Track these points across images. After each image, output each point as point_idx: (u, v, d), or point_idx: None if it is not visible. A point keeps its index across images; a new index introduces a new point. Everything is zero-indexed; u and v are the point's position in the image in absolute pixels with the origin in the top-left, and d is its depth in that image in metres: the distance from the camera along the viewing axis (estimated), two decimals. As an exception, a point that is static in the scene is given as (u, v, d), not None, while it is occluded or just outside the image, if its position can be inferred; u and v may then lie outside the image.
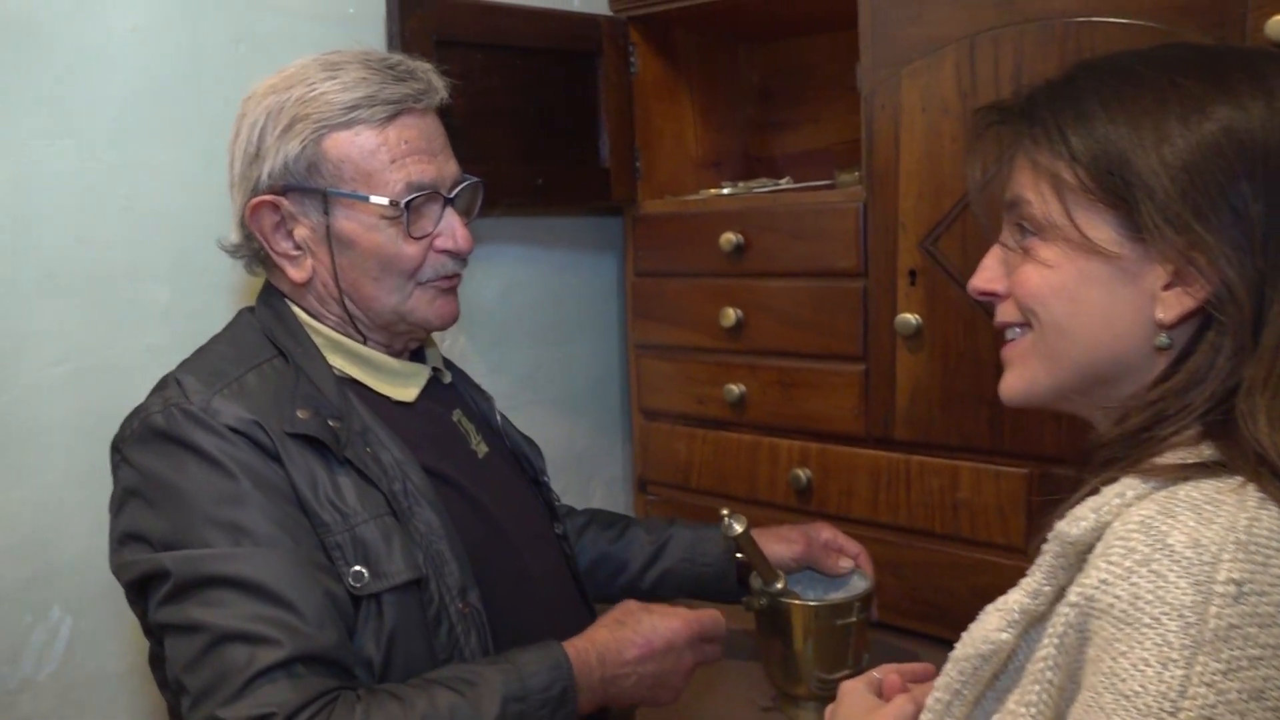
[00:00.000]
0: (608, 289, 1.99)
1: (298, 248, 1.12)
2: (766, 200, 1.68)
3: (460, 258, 1.17)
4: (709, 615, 1.14)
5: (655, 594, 1.41)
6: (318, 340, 1.13)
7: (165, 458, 0.99)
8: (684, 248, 1.77)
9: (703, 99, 1.96)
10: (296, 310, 1.14)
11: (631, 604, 1.13)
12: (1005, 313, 0.90)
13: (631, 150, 1.82)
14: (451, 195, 1.14)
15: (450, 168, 1.15)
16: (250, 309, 1.17)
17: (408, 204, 1.09)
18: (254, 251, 1.15)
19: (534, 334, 1.87)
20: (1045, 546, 0.77)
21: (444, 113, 1.17)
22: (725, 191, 1.78)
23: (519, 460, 1.31)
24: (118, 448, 1.03)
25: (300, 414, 1.03)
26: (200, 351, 1.12)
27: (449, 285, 1.17)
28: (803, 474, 1.64)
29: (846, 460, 1.60)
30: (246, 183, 1.10)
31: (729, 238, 1.67)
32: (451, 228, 1.14)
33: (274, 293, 1.16)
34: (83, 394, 1.30)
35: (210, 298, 1.41)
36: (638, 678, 1.07)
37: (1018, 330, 0.90)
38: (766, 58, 2.05)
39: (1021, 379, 0.89)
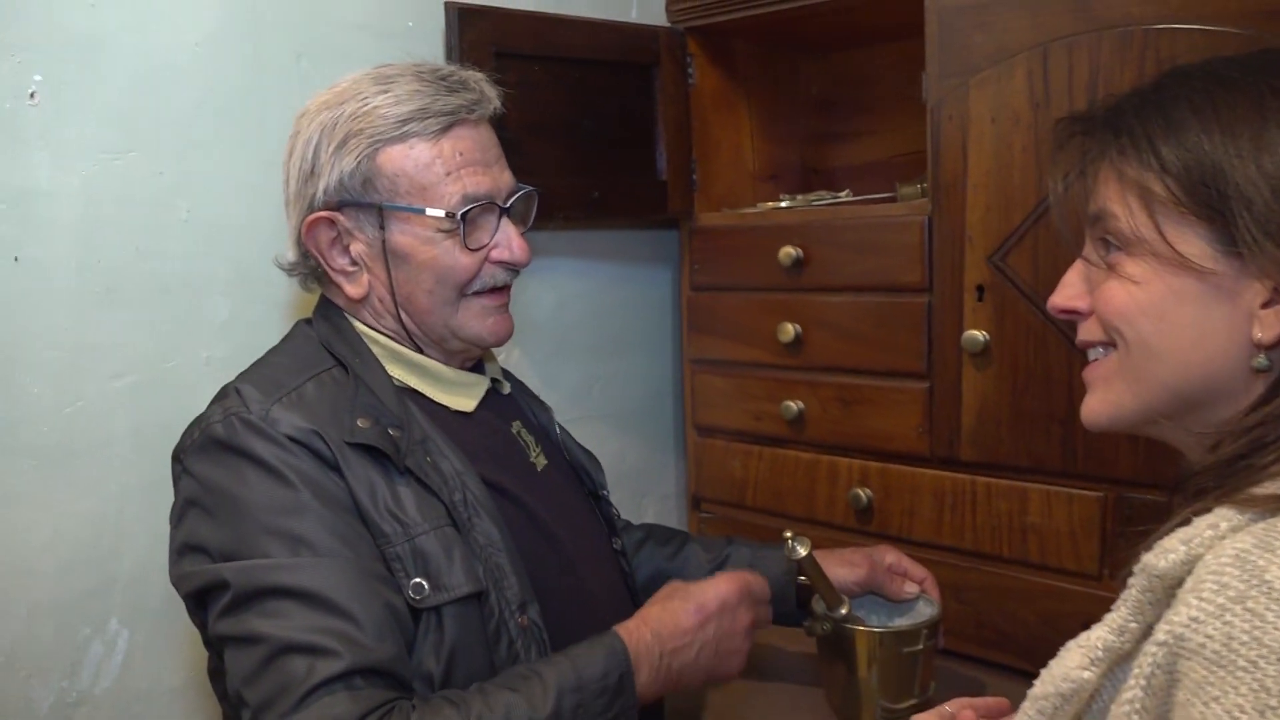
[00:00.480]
0: (663, 303, 1.97)
1: (354, 263, 1.11)
2: (826, 213, 1.64)
3: (516, 269, 1.15)
4: (753, 576, 1.13)
5: (712, 615, 1.38)
6: (376, 350, 1.12)
7: (224, 467, 0.98)
8: (741, 261, 1.74)
9: (761, 110, 1.93)
10: (354, 322, 1.14)
11: (675, 581, 1.11)
12: (1088, 331, 0.86)
13: (689, 162, 1.80)
14: (507, 205, 1.13)
15: (505, 178, 1.14)
16: (307, 321, 1.17)
17: (464, 215, 1.08)
18: (310, 269, 1.14)
19: (588, 348, 1.85)
20: (1131, 580, 0.73)
21: (500, 124, 1.16)
22: (784, 204, 1.75)
23: (578, 473, 1.29)
24: (179, 458, 1.03)
25: (360, 423, 1.02)
26: (259, 362, 1.11)
27: (499, 302, 1.15)
28: (863, 494, 1.60)
29: (909, 480, 1.56)
30: (302, 200, 1.10)
31: (788, 251, 1.64)
32: (508, 238, 1.13)
33: (330, 306, 1.16)
34: (143, 407, 1.30)
35: (270, 310, 1.41)
36: (700, 645, 1.04)
37: (1101, 350, 0.86)
38: (826, 69, 2.01)
39: (1106, 402, 0.85)
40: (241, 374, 1.08)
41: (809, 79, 2.03)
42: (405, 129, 1.06)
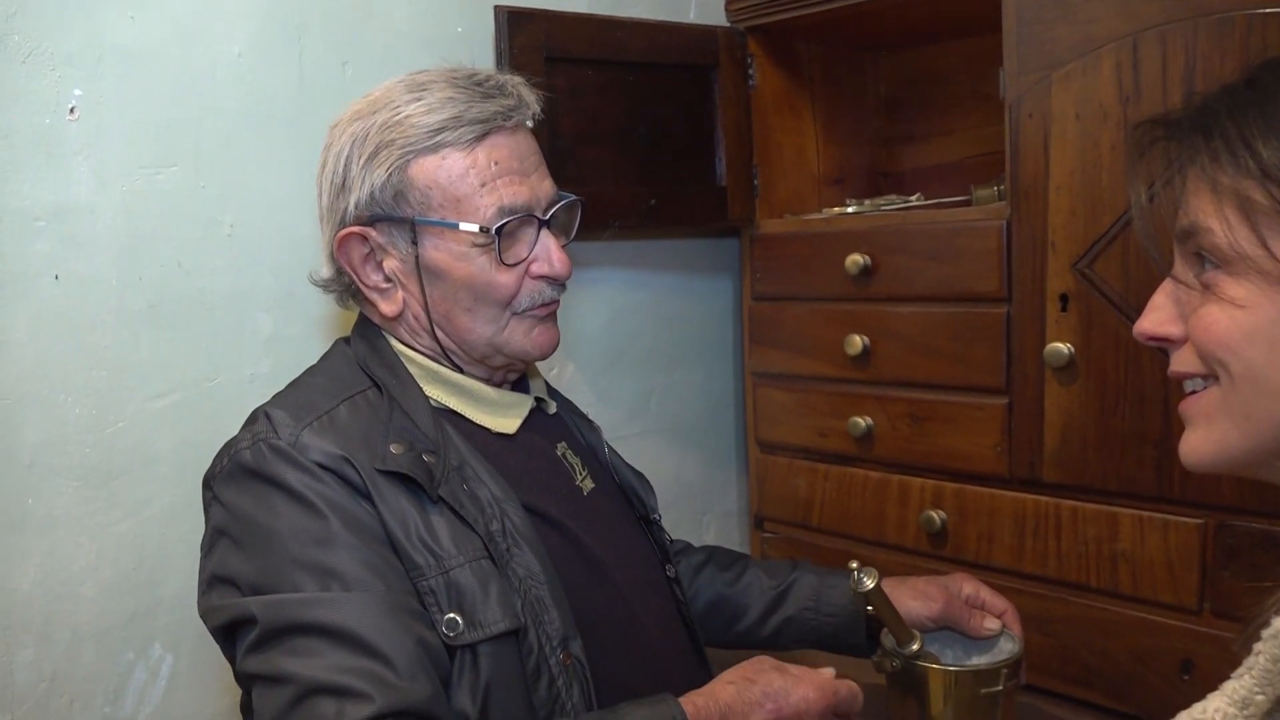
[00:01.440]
0: (723, 314, 1.89)
1: (388, 280, 1.07)
2: (897, 219, 1.55)
3: (558, 283, 1.09)
4: (847, 688, 1.01)
5: (775, 643, 1.30)
6: (413, 370, 1.07)
7: (253, 495, 0.94)
8: (806, 270, 1.66)
9: (825, 112, 1.84)
10: (391, 340, 1.09)
11: (765, 661, 1.01)
12: (1183, 361, 0.75)
13: (750, 167, 1.72)
14: (547, 217, 1.07)
15: (545, 187, 1.08)
16: (346, 339, 1.12)
17: (499, 229, 1.02)
18: (345, 285, 1.10)
19: (644, 361, 1.79)
20: (1259, 646, 0.63)
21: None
22: (850, 210, 1.67)
23: (627, 496, 1.22)
24: (209, 484, 0.99)
25: (394, 449, 0.96)
26: (294, 384, 1.07)
27: (546, 312, 1.10)
28: (936, 516, 1.50)
29: (986, 502, 1.46)
30: (334, 215, 1.05)
31: (855, 259, 1.55)
32: (547, 251, 1.07)
33: (368, 324, 1.11)
34: (186, 426, 1.27)
35: (313, 326, 1.38)
36: None
37: (1200, 382, 0.75)
38: (894, 67, 1.92)
39: (1209, 441, 0.74)
40: (275, 396, 1.04)
41: (876, 78, 1.94)
42: (438, 138, 1.01)
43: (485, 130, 1.02)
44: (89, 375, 1.21)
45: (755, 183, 1.73)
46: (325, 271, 1.10)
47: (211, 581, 0.96)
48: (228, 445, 0.99)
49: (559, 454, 1.14)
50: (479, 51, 1.47)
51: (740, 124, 1.70)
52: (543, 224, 1.06)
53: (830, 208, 1.71)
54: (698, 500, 1.89)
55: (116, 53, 1.20)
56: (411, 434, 1.00)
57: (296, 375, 1.10)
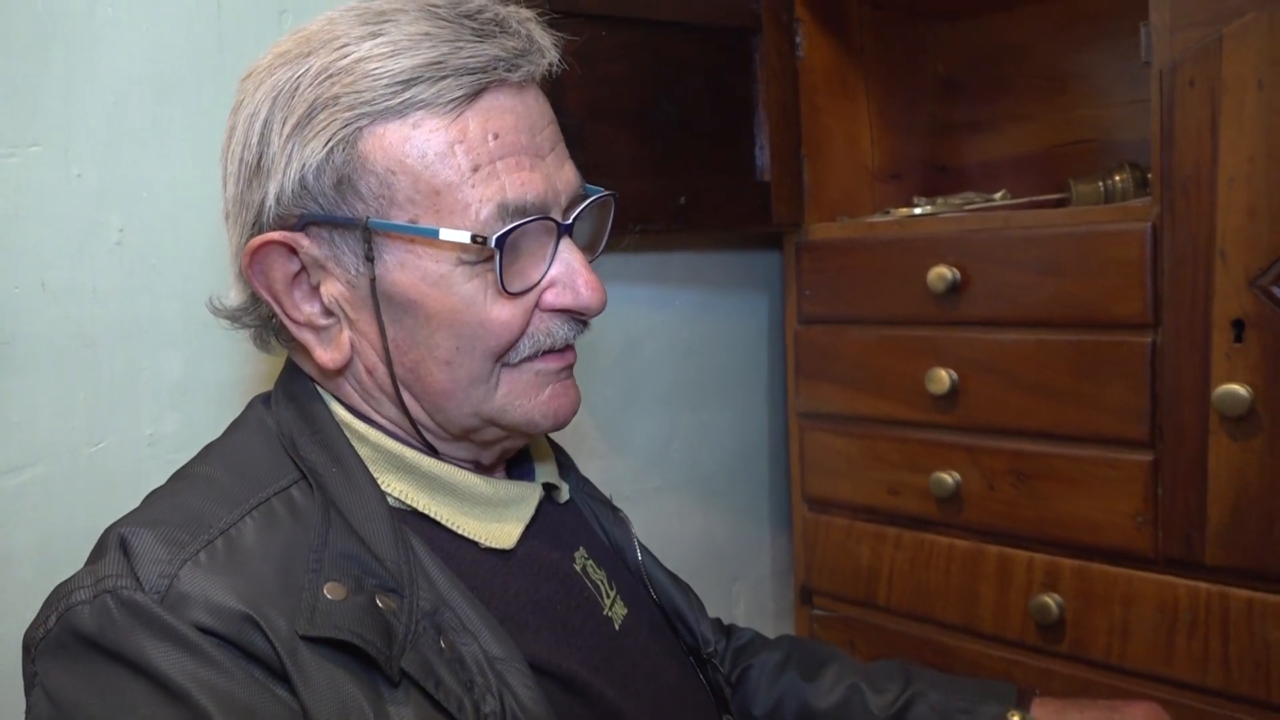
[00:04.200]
0: (760, 340, 1.56)
1: (327, 314, 0.71)
2: (994, 221, 1.22)
3: (583, 320, 0.74)
4: None
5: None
6: (364, 452, 0.72)
7: (91, 682, 0.58)
8: (870, 286, 1.33)
9: (880, 92, 1.52)
10: (333, 405, 0.74)
11: None
12: None
13: (798, 158, 1.39)
14: (569, 220, 0.72)
15: (565, 175, 0.73)
16: (265, 398, 0.76)
17: (501, 239, 0.67)
18: (264, 318, 0.74)
19: (666, 399, 1.45)
20: None
21: (555, 106, 0.75)
22: (919, 211, 1.34)
23: (670, 622, 0.87)
24: (29, 649, 0.63)
25: (330, 592, 0.61)
26: (177, 476, 0.71)
27: (561, 364, 0.74)
28: (1051, 601, 1.18)
29: (1121, 587, 1.14)
30: (245, 212, 0.70)
31: (941, 272, 1.22)
32: (570, 272, 0.72)
33: (298, 377, 0.76)
34: (52, 512, 0.91)
35: (241, 367, 1.02)
36: None
37: None
38: (954, 41, 1.61)
39: None
40: (145, 501, 0.68)
41: (936, 52, 1.62)
42: (407, 96, 0.66)
43: (480, 84, 0.67)
44: (-93, 445, 0.85)
45: (803, 177, 1.40)
46: (234, 297, 0.74)
47: None
48: (58, 591, 0.62)
49: (578, 568, 0.79)
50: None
51: (786, 104, 1.37)
52: (564, 231, 0.72)
53: (896, 209, 1.38)
54: (727, 565, 1.55)
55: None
56: (359, 562, 0.64)
57: (214, 438, 0.75)
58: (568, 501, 0.85)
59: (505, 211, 0.67)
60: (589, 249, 0.79)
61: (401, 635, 0.62)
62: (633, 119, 1.24)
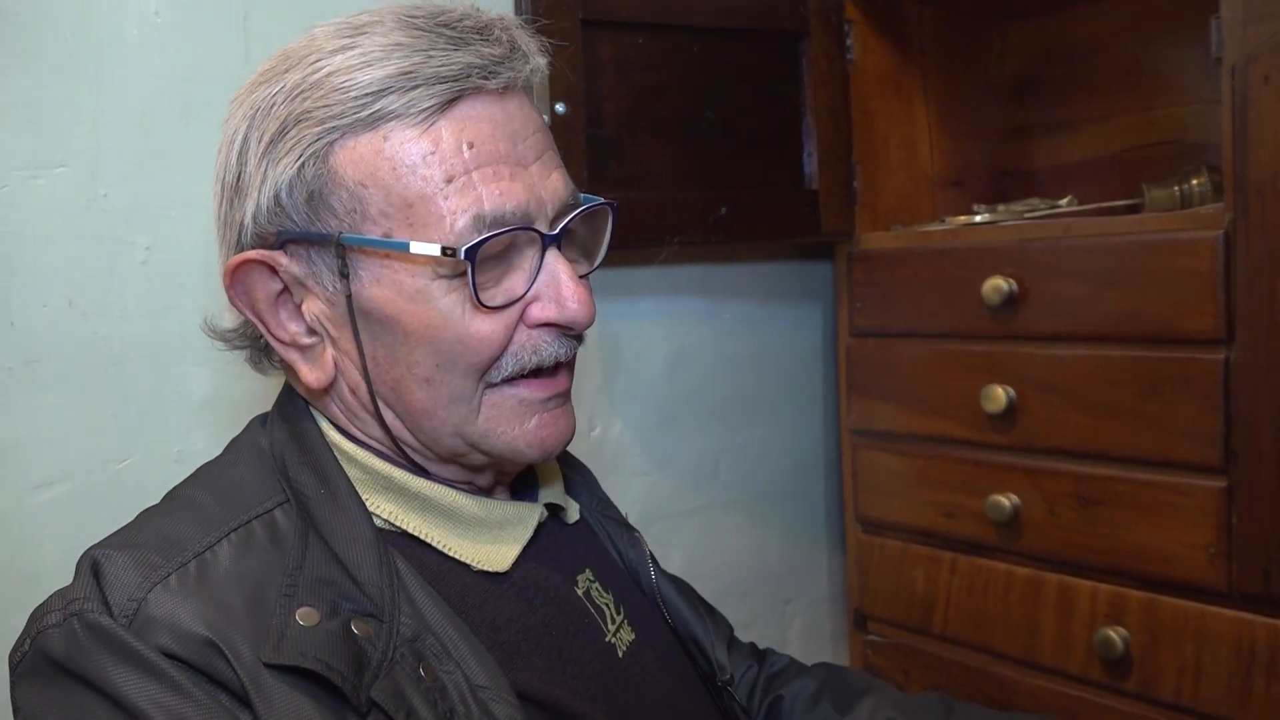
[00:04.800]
0: (812, 354, 1.51)
1: (311, 332, 0.70)
2: (1053, 230, 1.15)
3: (572, 335, 0.71)
4: None
5: None
6: (353, 472, 0.70)
7: (60, 705, 0.58)
8: (924, 298, 1.27)
9: (941, 96, 1.46)
10: (324, 426, 0.72)
11: None
12: None
13: (848, 165, 1.34)
14: (556, 230, 0.69)
15: (552, 184, 0.70)
16: (264, 418, 0.76)
17: (473, 251, 0.64)
18: (254, 338, 0.74)
19: (713, 415, 1.41)
20: None
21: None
22: (982, 219, 1.27)
23: (686, 648, 0.83)
24: (11, 672, 0.62)
25: (302, 617, 0.59)
26: (168, 496, 0.71)
27: (550, 392, 0.71)
28: (1116, 636, 1.10)
29: (1193, 623, 1.06)
30: (229, 232, 0.69)
31: (997, 284, 1.16)
32: (555, 283, 0.69)
33: (293, 396, 0.74)
34: (80, 528, 0.92)
35: (268, 383, 1.02)
36: None
37: None
38: (1025, 38, 1.53)
39: None
40: (135, 521, 0.68)
41: (1003, 52, 1.54)
42: (377, 107, 0.64)
43: (453, 93, 0.65)
44: (-63, 460, 0.87)
45: (855, 185, 1.34)
46: (228, 318, 0.74)
47: None
48: (35, 612, 0.62)
49: (580, 592, 0.76)
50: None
51: (836, 109, 1.32)
52: (549, 241, 0.69)
53: (953, 217, 1.32)
54: (780, 586, 1.50)
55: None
56: (336, 586, 0.62)
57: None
58: (578, 522, 0.82)
59: (482, 223, 0.65)
60: (585, 260, 0.76)
61: (376, 662, 0.60)
62: (672, 128, 1.21)
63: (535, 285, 0.68)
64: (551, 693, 0.66)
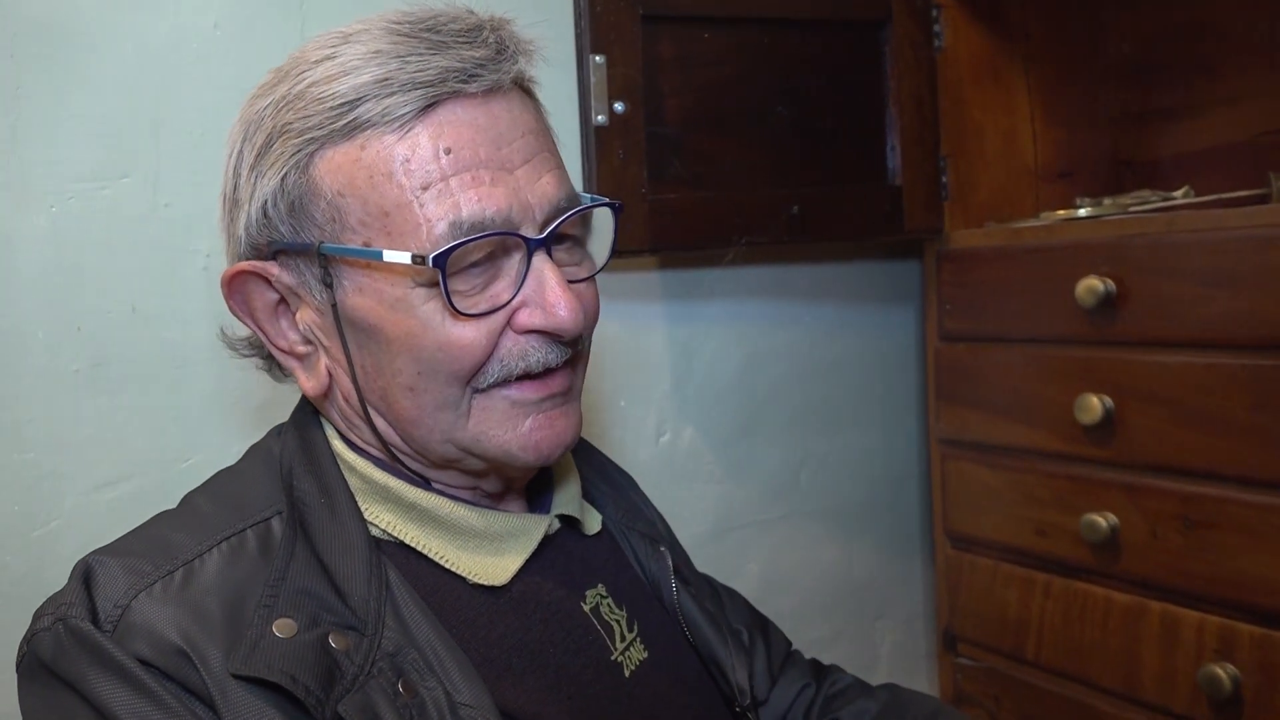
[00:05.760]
0: (898, 359, 1.44)
1: (307, 341, 0.70)
2: (1156, 225, 1.05)
3: (561, 341, 0.68)
4: None
5: None
6: (353, 481, 0.70)
7: (50, 707, 0.60)
8: (1015, 299, 1.18)
9: (1044, 81, 1.36)
10: (330, 435, 0.72)
11: None
12: None
13: (935, 159, 1.26)
14: (543, 235, 0.66)
15: (543, 186, 0.67)
16: (281, 426, 0.76)
17: (441, 258, 0.62)
18: (261, 347, 0.75)
19: (793, 422, 1.36)
20: None
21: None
22: (1082, 213, 1.18)
23: (707, 668, 0.79)
24: (16, 669, 0.65)
25: (278, 629, 0.59)
26: (182, 500, 0.72)
27: (543, 393, 0.68)
28: (1224, 674, 1.00)
29: (1313, 664, 0.94)
30: (231, 244, 0.71)
31: (1091, 285, 1.07)
32: (540, 287, 0.66)
33: (306, 404, 0.75)
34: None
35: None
36: None
37: None
38: (1143, 17, 1.41)
39: None
40: (142, 525, 0.70)
41: (1118, 33, 1.42)
42: (352, 117, 0.63)
43: (430, 98, 0.63)
44: (10, 460, 0.92)
45: (944, 180, 1.27)
46: (241, 327, 0.75)
47: None
48: (36, 614, 0.64)
49: (587, 608, 0.73)
50: (551, 11, 1.09)
51: (922, 99, 1.24)
52: (535, 246, 0.66)
53: (1053, 212, 1.22)
54: (870, 601, 1.43)
55: (39, 27, 0.90)
56: (318, 598, 0.62)
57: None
58: (598, 534, 0.79)
59: (459, 229, 0.63)
60: (585, 263, 0.73)
61: (350, 676, 0.59)
62: (740, 125, 1.16)
63: (522, 291, 0.66)
64: (540, 712, 0.64)
